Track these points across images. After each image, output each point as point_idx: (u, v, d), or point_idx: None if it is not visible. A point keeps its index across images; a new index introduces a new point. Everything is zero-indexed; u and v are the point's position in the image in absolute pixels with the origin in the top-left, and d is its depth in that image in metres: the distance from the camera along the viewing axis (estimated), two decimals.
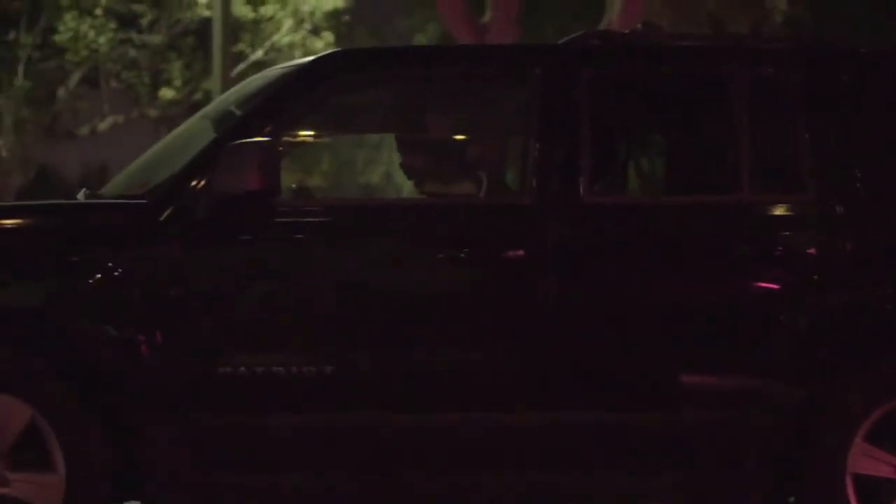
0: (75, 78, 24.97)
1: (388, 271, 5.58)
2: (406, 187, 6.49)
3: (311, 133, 6.12)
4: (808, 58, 5.86)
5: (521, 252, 5.54)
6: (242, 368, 5.41)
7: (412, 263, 5.61)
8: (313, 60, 5.85)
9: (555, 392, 5.50)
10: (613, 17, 16.61)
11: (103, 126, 25.62)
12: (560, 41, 6.09)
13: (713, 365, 5.56)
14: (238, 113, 5.81)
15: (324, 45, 25.00)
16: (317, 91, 5.69)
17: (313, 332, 5.52)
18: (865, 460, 5.52)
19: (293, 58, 24.07)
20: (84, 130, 26.01)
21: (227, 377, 5.41)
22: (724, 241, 5.64)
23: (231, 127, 5.64)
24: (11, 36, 24.44)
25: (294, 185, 6.46)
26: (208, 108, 6.57)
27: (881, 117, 5.78)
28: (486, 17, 17.17)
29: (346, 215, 5.70)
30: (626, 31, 6.19)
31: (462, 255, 5.58)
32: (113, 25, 23.94)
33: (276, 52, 24.93)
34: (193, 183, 5.49)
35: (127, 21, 24.61)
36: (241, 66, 24.75)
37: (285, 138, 5.64)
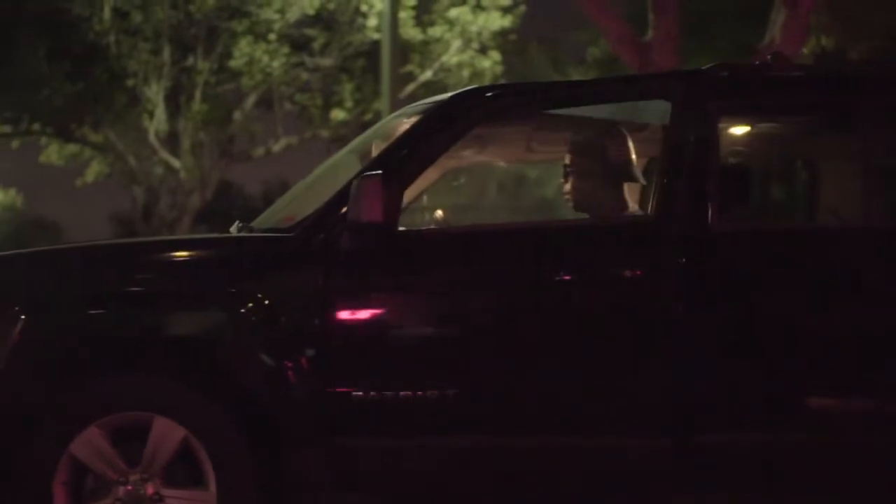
0: (250, 101, 25.51)
1: (516, 294, 5.76)
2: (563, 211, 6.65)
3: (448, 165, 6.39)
4: None
5: (648, 274, 5.66)
6: (377, 392, 5.62)
7: (538, 285, 5.77)
8: (441, 104, 6.11)
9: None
10: (776, 34, 16.45)
11: (277, 147, 26.18)
12: (690, 70, 6.26)
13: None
14: (379, 150, 6.11)
15: (490, 63, 25.18)
16: (446, 130, 5.92)
17: (446, 356, 5.71)
18: None
19: (461, 77, 24.48)
20: (259, 151, 26.58)
21: (365, 401, 5.63)
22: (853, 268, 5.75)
23: (369, 164, 5.87)
24: (189, 62, 25.09)
25: (436, 215, 6.70)
26: (354, 143, 6.87)
27: None
28: (648, 36, 17.13)
29: (472, 241, 5.90)
30: (756, 63, 6.32)
31: (592, 276, 5.74)
32: (286, 50, 24.42)
33: (445, 72, 25.19)
34: (335, 217, 5.72)
35: (299, 45, 25.08)
36: (411, 87, 25.12)
37: (419, 172, 5.88)
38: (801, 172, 6.57)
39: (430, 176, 6.56)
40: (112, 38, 24.43)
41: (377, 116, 20.10)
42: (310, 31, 24.91)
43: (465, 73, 24.94)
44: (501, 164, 7.64)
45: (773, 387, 5.64)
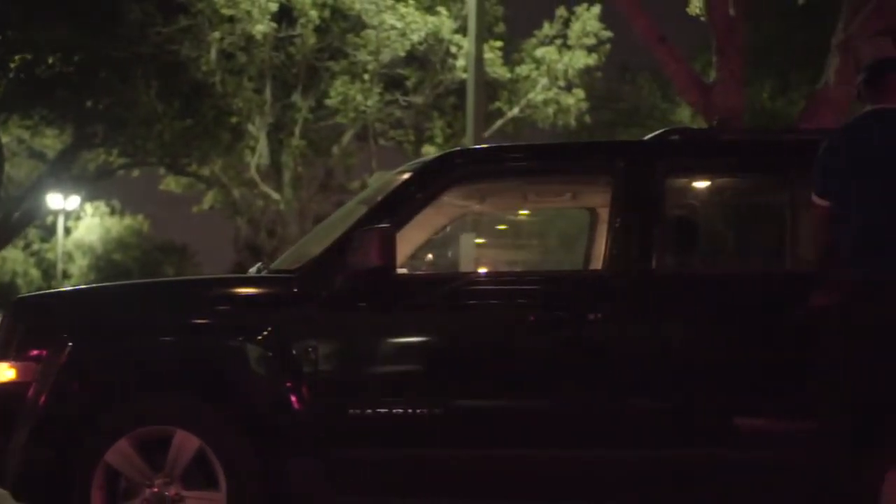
0: (347, 137, 26.46)
1: (488, 331, 6.69)
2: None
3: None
4: None
5: (600, 314, 6.53)
6: (368, 410, 6.57)
7: (508, 324, 6.68)
8: (424, 164, 7.08)
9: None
10: (830, 76, 16.83)
11: (372, 180, 27.15)
12: (645, 137, 7.14)
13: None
14: (375, 202, 7.09)
15: (575, 100, 25.99)
16: (428, 187, 6.87)
17: (425, 382, 6.63)
18: None
19: (547, 113, 25.27)
20: (355, 184, 27.54)
21: (356, 418, 6.56)
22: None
23: (364, 215, 6.84)
24: (290, 100, 26.09)
25: (426, 260, 7.66)
26: (363, 194, 7.85)
27: None
28: (713, 78, 17.59)
29: (449, 285, 6.83)
30: (705, 128, 7.20)
31: (554, 316, 6.61)
32: (379, 89, 25.38)
33: (532, 109, 26.02)
34: (332, 260, 6.69)
35: (394, 84, 26.04)
36: (499, 123, 26.01)
37: (406, 225, 6.85)
38: (737, 225, 7.33)
39: (433, 224, 7.51)
40: (218, 78, 25.43)
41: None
42: (403, 71, 25.83)
43: (551, 109, 25.74)
44: (500, 213, 8.51)
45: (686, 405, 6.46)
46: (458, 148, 7.16)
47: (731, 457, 6.45)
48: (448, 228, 7.93)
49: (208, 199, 30.44)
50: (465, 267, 8.86)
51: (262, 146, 25.96)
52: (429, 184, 6.89)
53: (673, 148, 6.95)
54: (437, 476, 6.62)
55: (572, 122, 26.38)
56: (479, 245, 8.82)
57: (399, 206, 6.83)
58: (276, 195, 26.42)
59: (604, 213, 7.45)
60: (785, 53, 29.47)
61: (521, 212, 7.52)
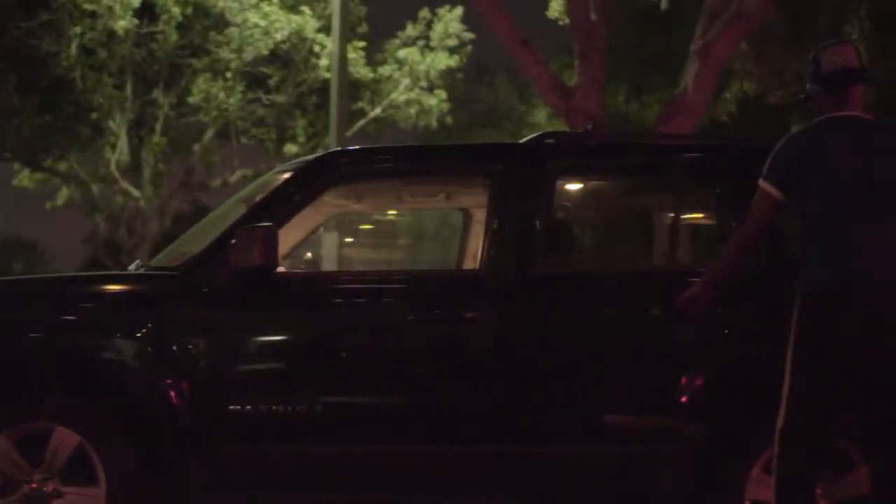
0: (208, 134, 26.34)
1: (367, 329, 6.80)
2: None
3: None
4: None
5: (477, 313, 6.67)
6: (248, 407, 6.65)
7: (386, 322, 6.81)
8: (306, 163, 7.18)
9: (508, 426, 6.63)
10: (689, 82, 17.20)
11: (234, 178, 27.07)
12: (521, 140, 7.30)
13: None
14: (255, 201, 7.16)
15: (437, 101, 26.19)
16: (309, 187, 6.97)
17: (304, 379, 6.73)
18: None
19: (409, 114, 25.45)
20: (216, 182, 27.44)
21: (237, 415, 6.63)
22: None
23: (246, 213, 6.92)
24: (151, 97, 25.93)
25: (305, 258, 7.76)
26: (242, 193, 7.91)
27: None
28: (574, 82, 17.85)
29: (325, 283, 6.99)
30: (579, 131, 7.34)
31: (431, 315, 6.76)
32: (241, 87, 25.31)
33: (394, 109, 26.18)
34: (214, 258, 6.75)
35: (256, 82, 26.00)
36: (361, 123, 26.11)
37: (287, 224, 6.93)
38: (612, 225, 7.53)
39: (310, 223, 7.60)
40: (78, 73, 25.15)
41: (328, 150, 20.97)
42: (266, 70, 25.80)
43: (413, 110, 25.93)
44: (376, 213, 8.63)
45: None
46: (340, 148, 7.27)
47: (604, 453, 6.62)
48: (330, 227, 8.05)
49: (63, 195, 30.06)
50: (345, 266, 8.98)
51: (123, 143, 25.76)
52: (310, 183, 6.98)
53: (548, 151, 7.11)
54: (317, 472, 6.71)
55: (434, 123, 26.58)
56: (358, 244, 8.94)
57: (280, 205, 6.91)
58: (136, 192, 26.26)
59: (478, 214, 7.61)
60: (639, 58, 30.01)
61: (399, 211, 7.64)
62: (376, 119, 26.20)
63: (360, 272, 7.64)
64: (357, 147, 7.25)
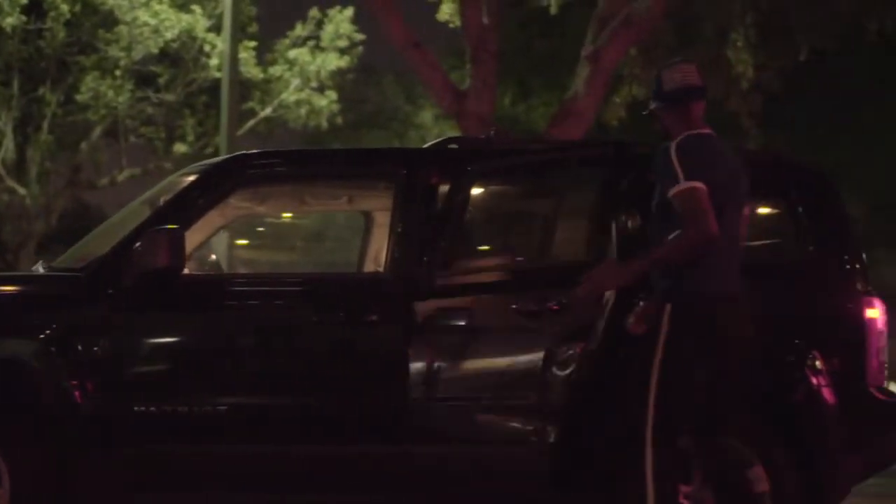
0: (96, 133, 26.12)
1: (272, 331, 6.89)
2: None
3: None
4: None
5: (380, 316, 6.80)
6: (153, 408, 6.72)
7: (291, 324, 6.91)
8: (213, 165, 7.24)
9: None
10: (580, 86, 17.43)
11: (122, 177, 26.85)
12: (425, 145, 7.43)
13: None
14: (161, 203, 7.22)
15: (327, 101, 26.24)
16: (216, 189, 7.05)
17: (209, 379, 6.82)
18: None
19: (299, 114, 25.46)
20: (104, 181, 27.22)
21: (141, 416, 6.70)
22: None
23: (153, 215, 7.00)
24: (39, 93, 25.68)
25: (210, 259, 7.82)
26: (147, 195, 7.94)
27: None
28: (466, 85, 18.00)
29: (231, 285, 7.08)
30: (482, 137, 7.51)
31: (335, 317, 6.87)
32: (130, 85, 25.16)
33: (284, 109, 26.18)
34: (120, 259, 6.79)
35: (145, 80, 25.85)
36: (251, 123, 26.07)
37: (193, 226, 6.99)
38: (512, 226, 7.61)
39: (214, 225, 7.66)
40: None
41: (217, 150, 20.94)
42: (155, 68, 25.62)
43: (303, 110, 25.94)
44: (278, 215, 8.71)
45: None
46: (247, 151, 7.33)
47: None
48: (235, 229, 8.11)
49: None
50: (249, 268, 9.03)
51: (9, 140, 25.46)
52: (217, 185, 7.06)
53: (452, 155, 7.24)
54: (223, 472, 6.78)
55: (324, 124, 26.61)
56: (264, 246, 9.00)
57: (187, 207, 6.98)
58: (21, 190, 25.96)
59: (381, 217, 7.72)
60: (525, 60, 30.29)
61: (304, 214, 7.72)
62: (266, 119, 26.17)
63: (264, 274, 7.74)
64: (264, 150, 7.32)
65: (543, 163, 7.19)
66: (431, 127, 36.46)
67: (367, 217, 8.18)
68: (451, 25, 20.12)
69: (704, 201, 6.00)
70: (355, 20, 26.54)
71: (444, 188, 6.97)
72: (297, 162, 7.36)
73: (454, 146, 7.38)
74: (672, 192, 6.04)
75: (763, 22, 19.75)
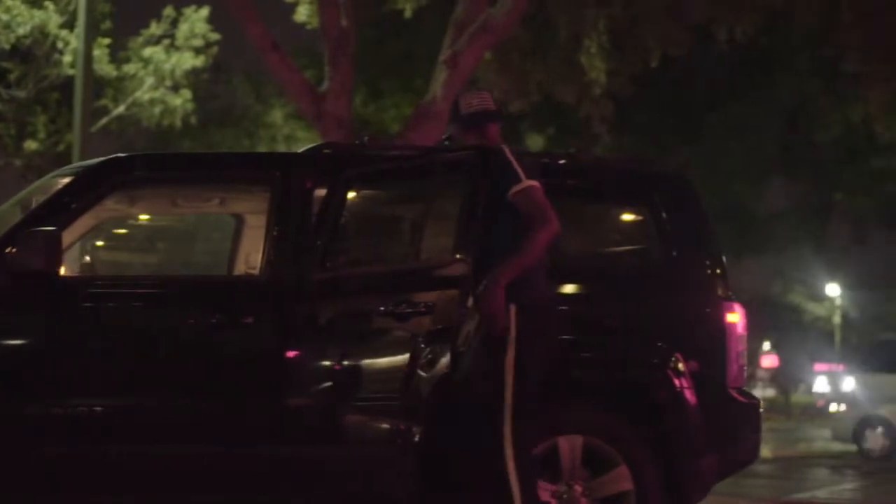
0: None
1: (148, 332, 6.94)
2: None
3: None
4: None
5: (256, 318, 6.90)
6: (27, 409, 6.74)
7: (166, 326, 6.96)
8: (89, 167, 7.29)
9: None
10: (437, 90, 17.61)
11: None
12: (302, 150, 7.53)
13: None
14: (35, 205, 7.23)
15: (182, 101, 26.11)
16: (91, 191, 7.09)
17: (83, 381, 6.83)
18: None
19: (153, 113, 25.30)
20: None
21: (13, 417, 6.71)
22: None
23: (27, 216, 6.98)
24: None
25: (84, 261, 7.85)
26: (20, 195, 7.93)
27: None
28: (324, 87, 18.08)
29: (110, 286, 7.11)
30: (356, 142, 7.62)
31: (210, 319, 6.92)
32: None
33: (138, 108, 25.99)
34: None
35: None
36: (104, 120, 25.83)
37: (69, 228, 7.02)
38: (384, 228, 7.72)
39: (84, 226, 7.68)
40: None
41: (69, 148, 20.73)
42: (6, 64, 25.24)
43: (157, 109, 25.79)
44: (150, 217, 8.75)
45: None
46: (124, 154, 7.38)
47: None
48: (109, 231, 8.13)
49: None
50: (124, 270, 9.05)
51: None
52: (93, 187, 7.09)
53: (326, 160, 7.36)
54: (98, 473, 6.81)
55: (178, 123, 26.48)
56: (138, 248, 9.03)
57: (62, 209, 7.00)
58: None
59: (254, 220, 7.82)
60: (376, 62, 30.49)
61: (179, 216, 7.79)
62: (119, 117, 25.95)
63: (141, 276, 7.78)
64: (140, 153, 7.38)
65: (414, 167, 7.33)
66: (282, 126, 36.52)
67: (239, 220, 8.26)
68: (308, 27, 20.19)
69: (545, 198, 6.37)
70: (211, 19, 26.44)
71: (319, 192, 7.09)
72: (174, 165, 7.44)
73: (328, 151, 7.49)
74: (515, 189, 6.38)
75: (616, 28, 20.15)
